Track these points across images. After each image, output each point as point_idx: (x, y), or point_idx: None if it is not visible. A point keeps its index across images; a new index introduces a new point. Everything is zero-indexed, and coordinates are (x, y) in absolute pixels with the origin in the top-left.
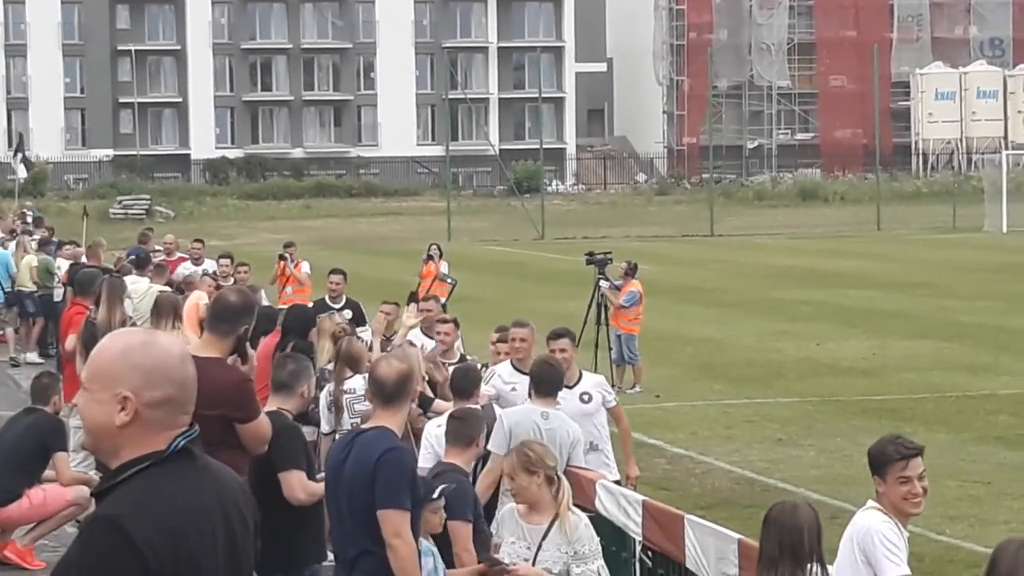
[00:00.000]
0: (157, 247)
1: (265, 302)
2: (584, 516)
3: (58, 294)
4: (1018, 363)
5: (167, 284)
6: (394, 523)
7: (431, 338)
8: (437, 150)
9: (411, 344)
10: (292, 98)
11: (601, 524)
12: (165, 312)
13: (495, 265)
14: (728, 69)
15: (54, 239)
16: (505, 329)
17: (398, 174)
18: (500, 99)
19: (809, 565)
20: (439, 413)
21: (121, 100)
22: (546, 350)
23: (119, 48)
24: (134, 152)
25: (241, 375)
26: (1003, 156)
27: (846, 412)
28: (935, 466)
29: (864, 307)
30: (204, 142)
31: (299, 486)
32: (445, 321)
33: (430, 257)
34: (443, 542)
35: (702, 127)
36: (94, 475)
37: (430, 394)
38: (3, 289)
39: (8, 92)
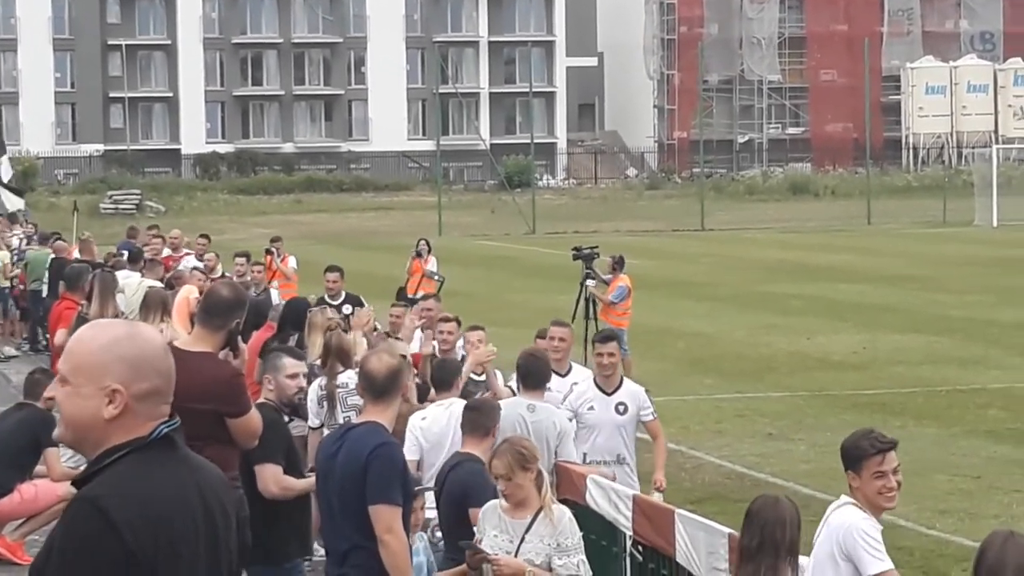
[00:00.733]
0: (144, 243)
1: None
2: (567, 510)
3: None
4: (1008, 357)
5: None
6: (386, 518)
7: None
8: (428, 145)
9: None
10: (283, 93)
11: (591, 518)
12: (153, 306)
13: (485, 260)
14: (719, 63)
15: (34, 235)
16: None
17: (389, 169)
18: (491, 93)
19: (789, 558)
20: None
21: (111, 95)
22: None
23: (109, 43)
24: (124, 147)
25: (232, 369)
26: (993, 150)
27: (836, 406)
28: (925, 460)
29: (854, 301)
30: (194, 137)
31: (272, 480)
32: (447, 320)
33: (419, 253)
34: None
35: (693, 121)
36: None
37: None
38: None
39: None
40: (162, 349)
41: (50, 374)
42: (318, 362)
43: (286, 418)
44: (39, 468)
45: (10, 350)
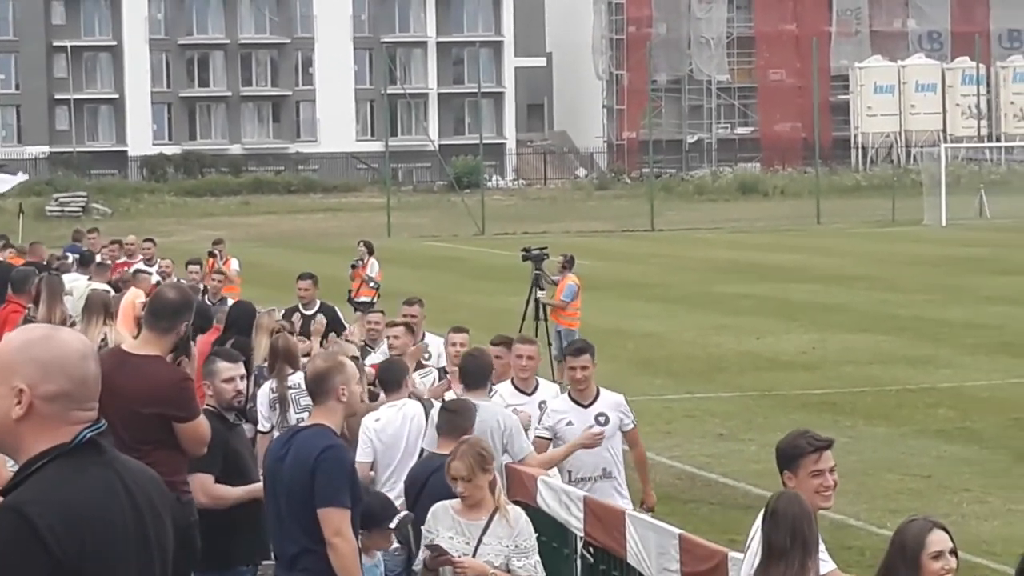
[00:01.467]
0: (102, 246)
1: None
2: (522, 511)
3: None
4: (957, 356)
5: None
6: (334, 521)
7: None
8: (376, 146)
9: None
10: (230, 94)
11: (542, 520)
12: (96, 309)
13: (434, 261)
14: (667, 63)
15: None
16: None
17: (337, 170)
18: (439, 94)
19: (814, 553)
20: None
21: (57, 96)
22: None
23: (55, 44)
24: (70, 149)
25: (181, 374)
26: (942, 149)
27: (786, 406)
28: (875, 459)
29: (804, 301)
30: (141, 139)
31: (200, 489)
32: (394, 324)
33: (353, 266)
34: None
35: (642, 121)
36: None
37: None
38: None
39: None
40: (78, 354)
41: None
42: (265, 364)
43: (236, 421)
44: None
45: None
